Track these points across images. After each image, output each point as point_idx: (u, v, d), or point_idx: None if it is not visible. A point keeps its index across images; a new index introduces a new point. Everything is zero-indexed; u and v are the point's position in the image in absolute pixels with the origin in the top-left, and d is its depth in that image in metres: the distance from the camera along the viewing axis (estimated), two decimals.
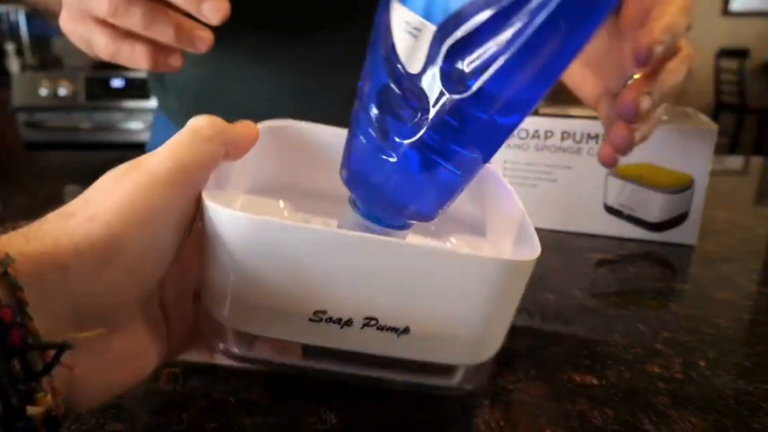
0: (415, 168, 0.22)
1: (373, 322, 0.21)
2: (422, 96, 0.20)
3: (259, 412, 0.25)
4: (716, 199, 0.58)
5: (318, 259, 0.20)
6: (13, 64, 2.08)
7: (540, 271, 0.42)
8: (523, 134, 0.48)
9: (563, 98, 0.43)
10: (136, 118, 1.95)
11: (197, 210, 0.21)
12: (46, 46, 2.25)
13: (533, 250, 0.21)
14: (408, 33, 0.20)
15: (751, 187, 0.70)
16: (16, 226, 0.18)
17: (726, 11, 3.62)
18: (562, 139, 0.47)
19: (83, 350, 0.18)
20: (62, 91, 1.94)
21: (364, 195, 0.24)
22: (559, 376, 0.28)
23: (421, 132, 0.20)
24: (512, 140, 0.48)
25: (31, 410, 0.15)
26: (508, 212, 0.26)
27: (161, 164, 0.20)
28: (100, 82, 1.96)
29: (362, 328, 0.21)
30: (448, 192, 0.23)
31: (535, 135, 0.48)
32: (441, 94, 0.20)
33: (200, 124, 0.22)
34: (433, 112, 0.20)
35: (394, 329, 0.21)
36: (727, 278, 0.40)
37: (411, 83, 0.20)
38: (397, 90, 0.21)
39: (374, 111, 0.22)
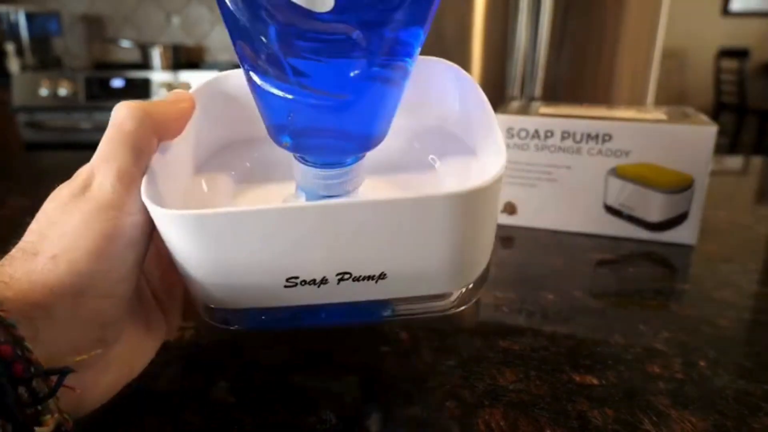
0: (366, 96, 0.21)
1: (347, 276, 0.21)
2: (340, 26, 0.19)
3: (259, 412, 0.25)
4: (716, 199, 0.58)
5: (275, 236, 0.20)
6: (13, 64, 2.08)
7: (540, 271, 0.42)
8: (523, 134, 0.48)
9: (563, 98, 0.43)
10: None
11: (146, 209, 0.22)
12: (46, 46, 2.25)
13: (496, 169, 0.21)
14: None
15: (751, 187, 0.70)
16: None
17: (726, 11, 3.61)
18: (562, 139, 0.47)
19: (84, 369, 0.19)
20: (62, 91, 1.94)
21: (315, 150, 0.23)
22: (559, 376, 0.28)
23: (361, 57, 0.20)
24: (512, 140, 0.48)
25: (39, 430, 0.17)
26: (483, 125, 0.26)
27: (102, 187, 0.20)
28: (100, 82, 1.96)
29: (339, 283, 0.21)
30: (395, 102, 0.23)
31: (535, 135, 0.48)
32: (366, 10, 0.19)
33: (121, 117, 0.21)
34: (359, 35, 0.19)
35: (371, 278, 0.21)
36: (727, 278, 0.40)
37: (320, 21, 0.19)
38: (302, 35, 0.20)
39: (286, 66, 0.21)
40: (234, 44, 0.21)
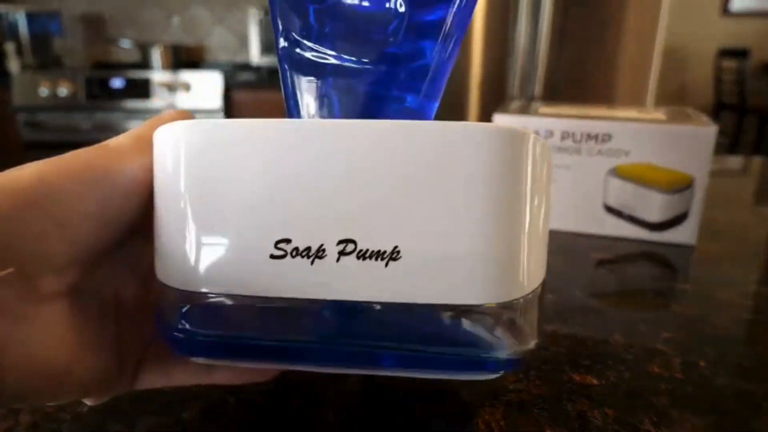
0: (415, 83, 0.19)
1: (350, 247, 0.16)
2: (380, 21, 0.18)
3: (259, 412, 0.25)
4: (716, 199, 0.58)
5: (271, 164, 0.16)
6: (13, 64, 2.08)
7: None
8: None
9: (563, 98, 0.43)
10: (136, 118, 1.95)
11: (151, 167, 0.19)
12: (46, 46, 2.25)
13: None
14: None
15: (751, 187, 0.70)
16: None
17: (726, 11, 3.61)
18: (562, 139, 0.47)
19: (1, 309, 0.16)
20: (62, 91, 1.94)
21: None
22: (559, 376, 0.28)
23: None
24: None
25: None
26: None
27: (115, 140, 0.19)
28: (100, 82, 1.96)
29: (339, 259, 0.16)
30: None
31: None
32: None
33: (165, 112, 0.21)
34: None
35: (379, 255, 0.16)
36: (727, 278, 0.40)
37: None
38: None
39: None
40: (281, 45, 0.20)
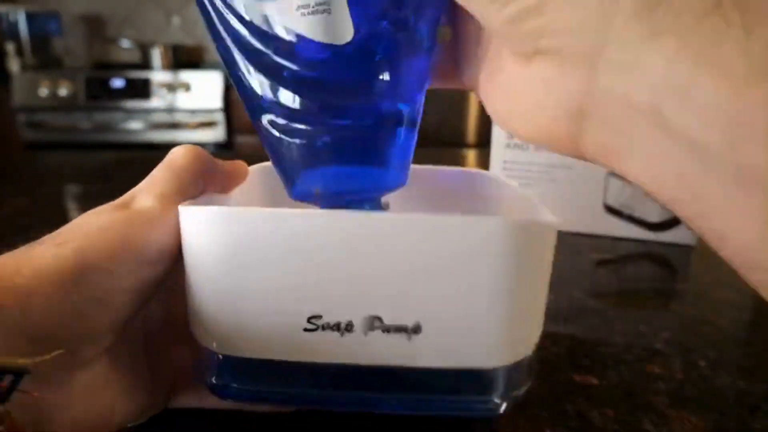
0: (383, 127, 0.21)
1: (377, 323, 0.18)
2: (362, 59, 0.19)
3: (258, 413, 0.24)
4: None
5: (305, 250, 0.18)
6: (13, 64, 2.08)
7: None
8: None
9: None
10: (136, 118, 1.95)
11: (178, 232, 0.20)
12: (46, 46, 2.25)
13: (554, 221, 0.19)
14: (313, 14, 0.18)
15: None
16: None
17: None
18: None
19: (45, 382, 0.17)
20: (62, 91, 1.94)
21: (328, 181, 0.22)
22: (559, 376, 0.28)
23: (377, 88, 0.19)
24: (512, 140, 0.48)
25: None
26: (516, 205, 0.25)
27: (141, 202, 0.20)
28: (100, 82, 1.96)
29: (366, 333, 0.18)
30: (413, 133, 0.22)
31: None
32: (385, 37, 0.19)
33: (175, 154, 0.22)
34: (377, 66, 0.19)
35: (403, 329, 0.18)
36: (727, 278, 0.40)
37: (339, 57, 0.19)
38: (313, 75, 0.19)
39: (296, 108, 0.20)
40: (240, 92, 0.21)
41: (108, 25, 2.46)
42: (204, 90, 1.92)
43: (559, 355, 0.30)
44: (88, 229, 0.19)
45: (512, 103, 0.19)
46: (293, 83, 0.20)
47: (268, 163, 0.26)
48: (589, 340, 0.32)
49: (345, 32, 0.19)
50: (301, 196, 0.22)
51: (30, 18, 2.20)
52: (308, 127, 0.20)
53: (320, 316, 0.18)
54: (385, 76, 0.20)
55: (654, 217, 0.47)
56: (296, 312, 0.18)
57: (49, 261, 0.17)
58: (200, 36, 2.46)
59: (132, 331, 0.21)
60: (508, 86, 0.18)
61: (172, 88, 1.94)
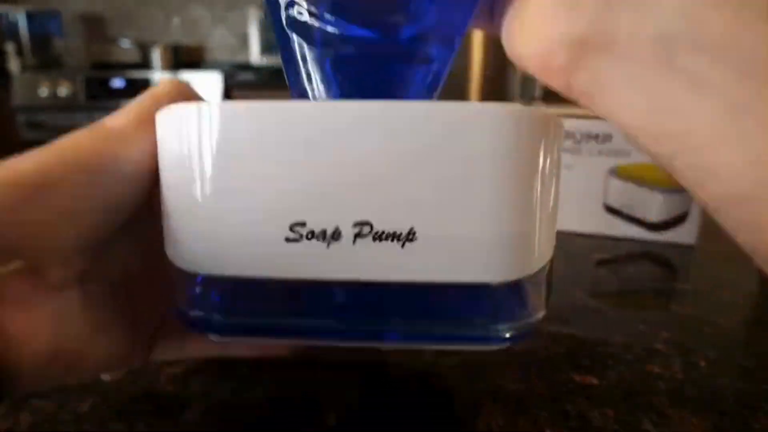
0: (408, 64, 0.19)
1: (366, 229, 0.16)
2: None
3: (259, 413, 0.25)
4: None
5: (287, 145, 0.16)
6: (13, 64, 2.08)
7: None
8: None
9: (563, 99, 0.43)
10: None
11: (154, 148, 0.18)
12: (46, 46, 2.25)
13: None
14: None
15: None
16: None
17: None
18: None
19: (10, 301, 0.16)
20: (62, 91, 1.94)
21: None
22: (559, 376, 0.28)
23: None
24: None
25: None
26: None
27: (115, 120, 0.19)
28: (100, 82, 1.96)
29: (354, 241, 0.16)
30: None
31: None
32: None
33: (158, 86, 0.21)
34: None
35: (395, 236, 0.16)
36: (727, 278, 0.40)
37: None
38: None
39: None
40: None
41: (108, 25, 2.46)
42: (204, 90, 1.92)
43: (559, 355, 0.30)
44: (52, 145, 0.17)
45: (520, 23, 0.18)
46: None
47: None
48: (589, 340, 0.32)
49: None
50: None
51: (30, 18, 2.20)
52: (335, 32, 0.18)
53: (304, 223, 0.16)
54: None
55: (654, 217, 0.47)
56: (278, 219, 0.16)
57: (9, 172, 0.16)
58: (200, 36, 2.46)
59: (109, 269, 0.20)
60: (522, 7, 0.18)
61: None
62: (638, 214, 0.47)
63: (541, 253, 0.18)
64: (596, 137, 0.46)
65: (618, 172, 0.46)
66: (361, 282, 0.17)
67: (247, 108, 0.16)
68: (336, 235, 0.16)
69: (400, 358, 0.29)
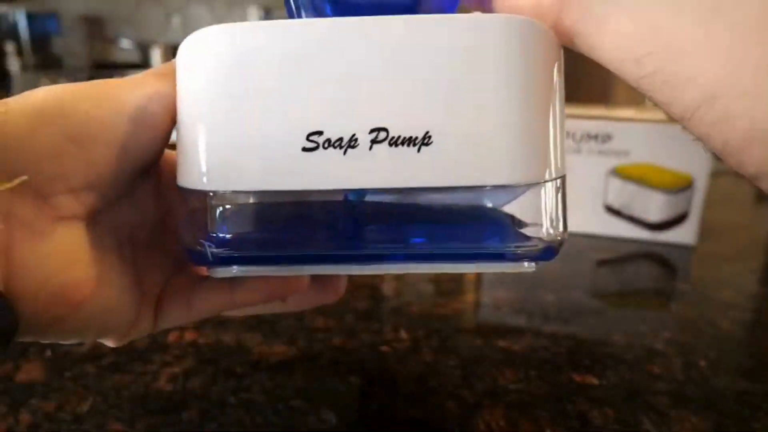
0: None
1: (383, 135, 0.16)
2: None
3: (259, 412, 0.25)
4: (716, 199, 0.58)
5: (303, 59, 0.16)
6: (13, 64, 2.08)
7: (540, 271, 0.42)
8: None
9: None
10: None
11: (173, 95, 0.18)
12: (46, 46, 2.25)
13: None
14: None
15: (751, 187, 0.70)
16: None
17: None
18: None
19: (19, 225, 0.16)
20: None
21: None
22: (559, 376, 0.28)
23: None
24: None
25: None
26: None
27: (139, 74, 0.19)
28: None
29: (371, 147, 0.16)
30: None
31: None
32: None
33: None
34: None
35: (411, 141, 0.16)
36: (727, 278, 0.40)
37: None
38: None
39: None
40: None
41: (108, 25, 2.46)
42: None
43: (559, 355, 0.30)
44: (70, 83, 0.18)
45: None
46: None
47: None
48: (589, 340, 0.32)
49: None
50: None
51: (30, 18, 2.20)
52: None
53: (321, 132, 0.16)
54: None
55: (654, 217, 0.47)
56: (295, 130, 0.17)
57: (23, 98, 0.16)
58: None
59: (120, 228, 0.20)
60: None
61: None
62: (638, 214, 0.47)
63: (556, 162, 0.18)
64: (596, 137, 0.46)
65: (618, 172, 0.46)
66: (377, 189, 0.17)
67: (263, 27, 0.16)
68: (353, 142, 0.16)
69: (399, 359, 0.29)
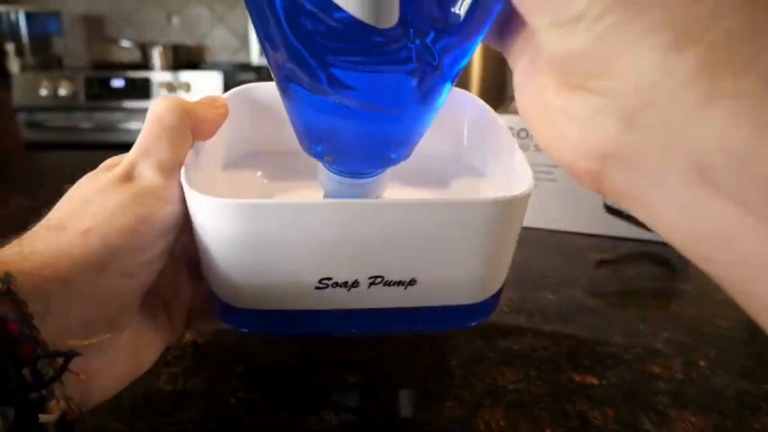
0: (413, 110, 0.21)
1: (379, 280, 0.22)
2: (395, 39, 0.18)
3: (259, 412, 0.25)
4: None
5: (313, 232, 0.20)
6: (13, 64, 2.08)
7: (540, 271, 0.42)
8: (524, 134, 0.48)
9: None
10: (136, 118, 1.95)
11: (184, 202, 0.22)
12: (46, 46, 2.25)
13: (526, 184, 0.22)
14: None
15: None
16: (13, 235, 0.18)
17: None
18: None
19: (92, 354, 0.19)
20: (62, 91, 1.94)
21: (350, 161, 0.23)
22: (559, 376, 0.28)
23: (412, 68, 0.19)
24: None
25: (43, 418, 0.16)
26: (502, 150, 0.26)
27: (144, 175, 0.21)
28: (100, 82, 1.96)
29: (369, 287, 0.22)
30: (424, 126, 0.22)
31: None
32: (428, 30, 0.18)
33: (161, 110, 0.22)
34: (419, 46, 0.18)
35: (400, 283, 0.22)
36: None
37: (376, 36, 0.18)
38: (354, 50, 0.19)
39: (325, 77, 0.20)
40: (265, 51, 0.20)
41: (108, 25, 2.46)
42: (204, 90, 1.92)
43: (559, 355, 0.30)
44: (101, 211, 0.20)
45: (539, 116, 0.18)
46: (323, 49, 0.19)
47: (239, 90, 0.28)
48: (589, 340, 0.32)
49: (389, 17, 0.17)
50: (314, 155, 0.23)
51: (30, 18, 2.19)
52: (323, 95, 0.20)
53: (330, 278, 0.21)
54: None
55: None
56: (308, 276, 0.21)
57: (81, 251, 0.19)
58: (200, 36, 2.46)
59: (150, 292, 0.23)
60: (542, 100, 0.17)
61: (172, 88, 1.94)
62: None
63: (504, 277, 0.24)
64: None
65: None
66: (371, 309, 0.23)
67: (279, 206, 0.20)
68: (355, 284, 0.22)
69: (399, 359, 0.29)
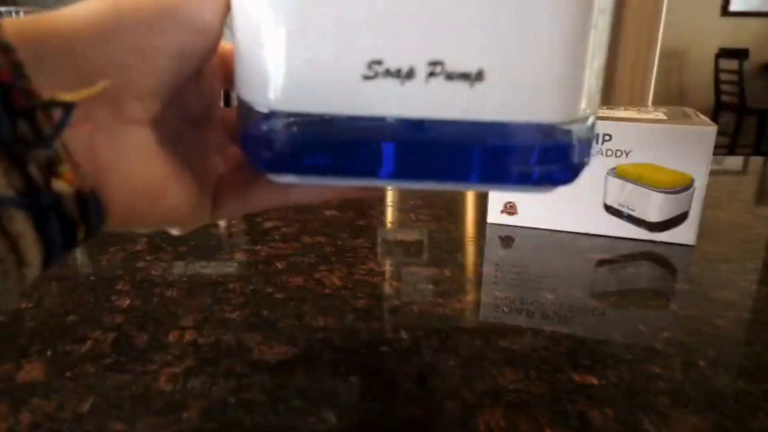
0: None
1: (439, 68, 0.18)
2: None
3: (259, 412, 0.25)
4: (716, 199, 0.58)
5: None
6: None
7: (540, 271, 0.42)
8: None
9: None
10: None
11: (224, 13, 0.19)
12: None
13: None
14: None
15: (751, 187, 0.70)
16: None
17: (725, 11, 3.62)
18: None
19: (97, 128, 0.17)
20: None
21: None
22: (559, 376, 0.28)
23: None
24: None
25: (58, 184, 0.14)
26: None
27: None
28: None
29: (427, 79, 0.18)
30: None
31: None
32: None
33: None
34: None
35: (465, 75, 0.18)
36: (727, 278, 0.40)
37: None
38: None
39: None
40: None
41: None
42: None
43: (559, 355, 0.30)
44: None
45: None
46: None
47: None
48: (589, 340, 0.32)
49: None
50: None
51: None
52: None
53: (381, 62, 0.18)
54: None
55: (654, 217, 0.47)
56: (356, 57, 0.18)
57: (89, 12, 0.17)
58: None
59: (171, 124, 0.21)
60: None
61: None
62: (638, 214, 0.47)
63: (593, 102, 0.20)
64: (596, 137, 0.46)
65: (618, 172, 0.46)
66: (431, 120, 0.18)
67: None
68: (410, 74, 0.17)
69: (399, 359, 0.29)
